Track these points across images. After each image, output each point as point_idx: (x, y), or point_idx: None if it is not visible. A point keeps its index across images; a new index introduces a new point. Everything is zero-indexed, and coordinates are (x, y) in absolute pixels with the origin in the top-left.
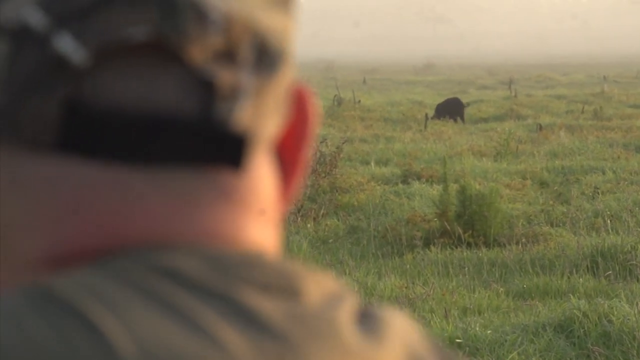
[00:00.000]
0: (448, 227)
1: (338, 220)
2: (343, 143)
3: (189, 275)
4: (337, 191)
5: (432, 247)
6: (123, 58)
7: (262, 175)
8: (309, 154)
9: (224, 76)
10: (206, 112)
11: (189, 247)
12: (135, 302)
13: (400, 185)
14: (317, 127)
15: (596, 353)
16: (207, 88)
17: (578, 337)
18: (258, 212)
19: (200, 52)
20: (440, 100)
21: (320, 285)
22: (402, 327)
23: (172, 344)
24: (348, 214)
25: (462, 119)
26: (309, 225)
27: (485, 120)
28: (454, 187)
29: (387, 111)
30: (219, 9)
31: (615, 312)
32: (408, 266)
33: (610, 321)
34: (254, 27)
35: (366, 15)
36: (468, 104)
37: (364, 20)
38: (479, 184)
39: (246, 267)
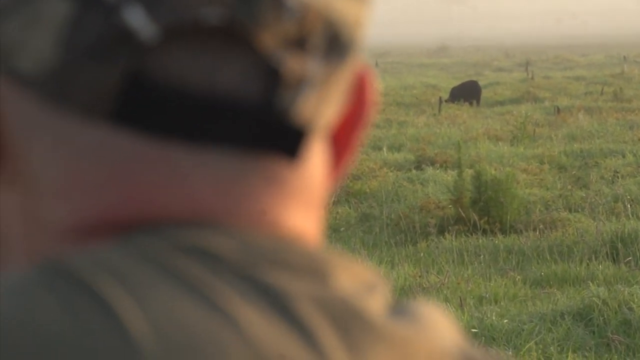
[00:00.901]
0: (463, 214)
1: (350, 207)
2: None
3: (216, 255)
4: (348, 178)
5: (446, 235)
6: (192, 37)
7: (315, 164)
8: (362, 137)
9: (292, 64)
10: (268, 99)
11: (224, 227)
12: (154, 280)
13: (414, 171)
14: (374, 112)
15: (616, 342)
16: (272, 75)
17: (597, 325)
18: (305, 201)
19: (271, 38)
20: (455, 83)
21: (352, 273)
22: (442, 321)
23: (188, 325)
24: (360, 202)
25: (478, 102)
26: None
27: (501, 103)
28: (469, 173)
29: (400, 95)
30: None
31: (636, 300)
32: (422, 254)
33: (630, 309)
34: (329, 15)
35: None
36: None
37: (377, 1)
38: (495, 169)
39: (278, 250)
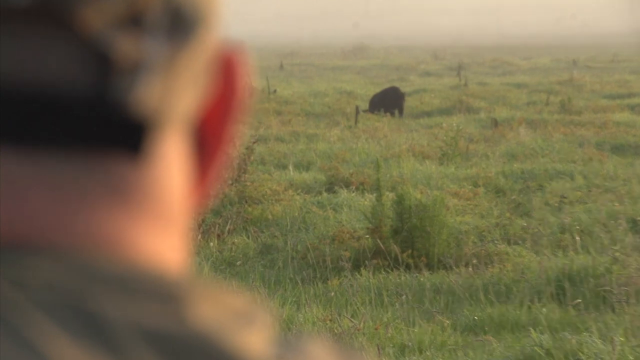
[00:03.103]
0: (382, 246)
1: (248, 237)
2: (254, 142)
3: (41, 286)
4: (246, 202)
5: (362, 271)
6: (6, 24)
7: (169, 165)
8: (234, 131)
9: (125, 46)
10: (100, 88)
11: (58, 251)
12: None
13: (325, 195)
14: (247, 99)
15: None
16: (102, 60)
17: None
18: (158, 215)
19: (96, 17)
20: (374, 89)
21: (219, 302)
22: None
23: None
24: (260, 230)
25: (401, 112)
26: (211, 244)
27: (428, 114)
28: (389, 197)
29: (309, 103)
30: None
31: (586, 350)
32: (333, 294)
33: None
34: None
35: None
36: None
37: None
38: (421, 193)
39: (119, 276)
